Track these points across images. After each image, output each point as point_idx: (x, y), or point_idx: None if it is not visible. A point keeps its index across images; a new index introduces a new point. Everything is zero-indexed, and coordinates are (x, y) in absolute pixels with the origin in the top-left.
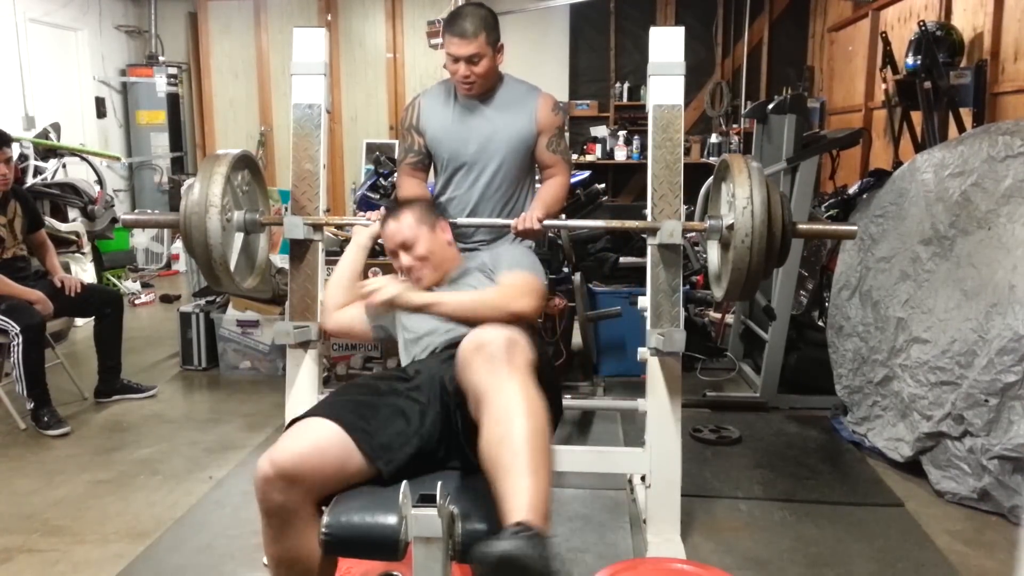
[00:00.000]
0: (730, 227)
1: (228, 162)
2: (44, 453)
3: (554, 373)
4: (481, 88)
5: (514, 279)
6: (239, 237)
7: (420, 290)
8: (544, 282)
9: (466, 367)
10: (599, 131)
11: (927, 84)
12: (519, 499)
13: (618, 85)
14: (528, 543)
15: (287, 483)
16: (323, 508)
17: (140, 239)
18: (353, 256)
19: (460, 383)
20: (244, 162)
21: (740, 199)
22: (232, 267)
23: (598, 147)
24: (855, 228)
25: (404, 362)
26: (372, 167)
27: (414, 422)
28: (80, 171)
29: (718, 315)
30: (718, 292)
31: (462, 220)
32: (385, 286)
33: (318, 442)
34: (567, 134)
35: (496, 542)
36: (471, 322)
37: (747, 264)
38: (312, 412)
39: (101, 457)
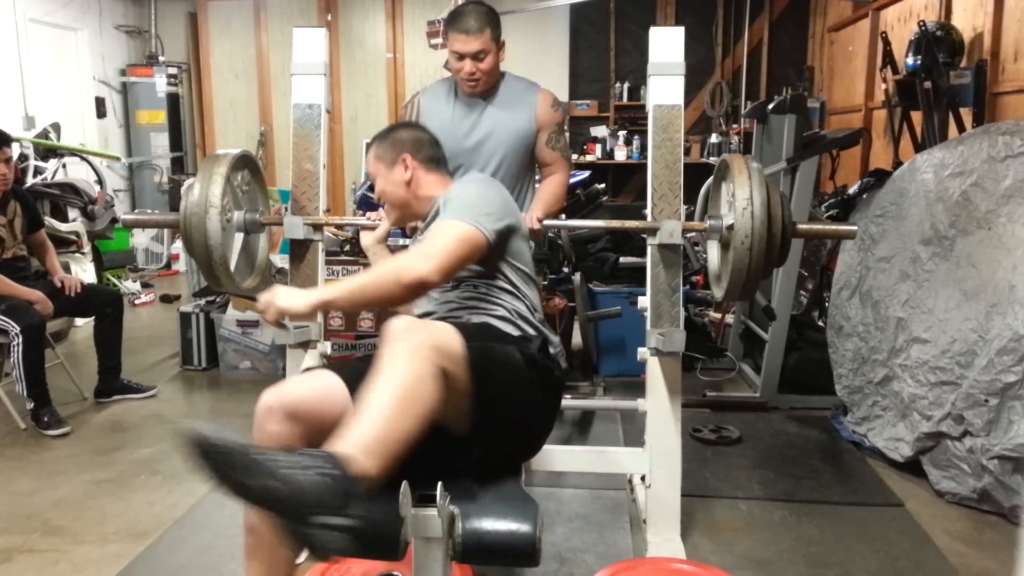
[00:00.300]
0: (730, 227)
1: (228, 162)
2: (44, 453)
3: (534, 367)
4: (486, 85)
5: (430, 238)
6: (239, 237)
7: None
8: (483, 220)
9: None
10: (599, 131)
11: (927, 84)
12: (348, 432)
13: (618, 85)
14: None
15: (286, 416)
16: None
17: (140, 239)
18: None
19: None
20: (244, 162)
21: (740, 199)
22: (232, 267)
23: (598, 147)
24: (855, 228)
25: None
26: None
27: None
28: (80, 171)
29: (718, 315)
30: (718, 292)
31: None
32: (271, 301)
33: (326, 390)
34: (567, 133)
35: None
36: (374, 307)
37: (747, 264)
38: (324, 367)
39: (101, 457)
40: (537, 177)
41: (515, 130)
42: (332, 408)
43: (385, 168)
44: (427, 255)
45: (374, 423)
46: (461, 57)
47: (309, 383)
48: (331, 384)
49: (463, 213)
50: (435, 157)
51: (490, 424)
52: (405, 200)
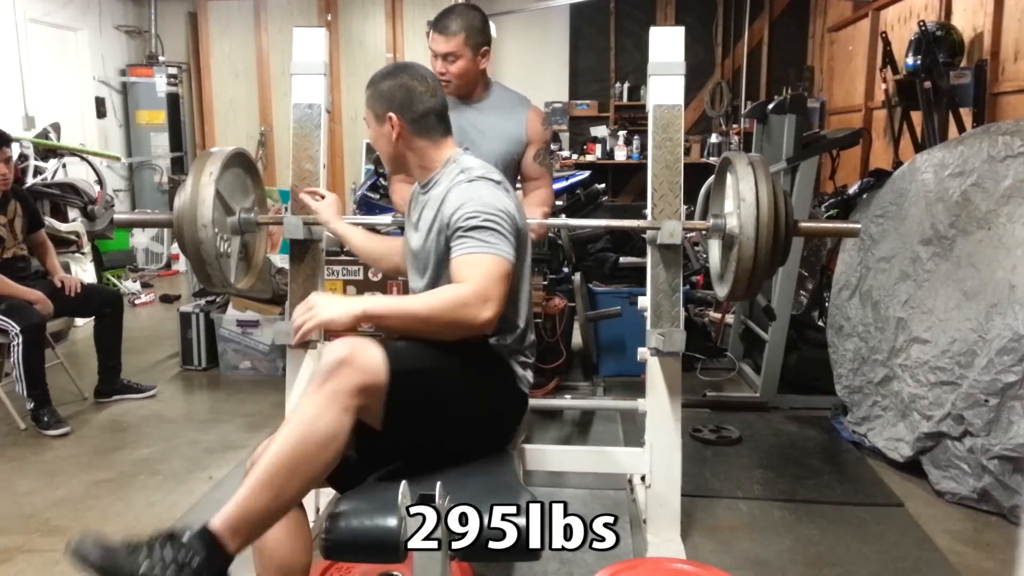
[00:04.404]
0: (735, 225)
1: (221, 160)
2: (44, 453)
3: (481, 394)
4: (457, 89)
5: (480, 275)
6: (234, 236)
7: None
8: (508, 247)
9: None
10: (599, 131)
11: (927, 84)
12: (230, 503)
13: (618, 85)
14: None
15: None
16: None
17: (140, 239)
18: (354, 236)
19: None
20: (238, 160)
21: (746, 197)
22: (227, 267)
23: (598, 147)
24: (859, 226)
25: None
26: (372, 167)
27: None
28: (80, 171)
29: (718, 315)
30: (721, 291)
31: None
32: (313, 312)
33: None
34: (564, 138)
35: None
36: (419, 334)
37: (753, 262)
38: None
39: (101, 457)
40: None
41: (505, 139)
42: None
43: (375, 120)
44: (487, 299)
45: (251, 501)
46: (435, 56)
47: None
48: None
49: (496, 241)
50: (426, 116)
51: (407, 428)
52: (395, 155)
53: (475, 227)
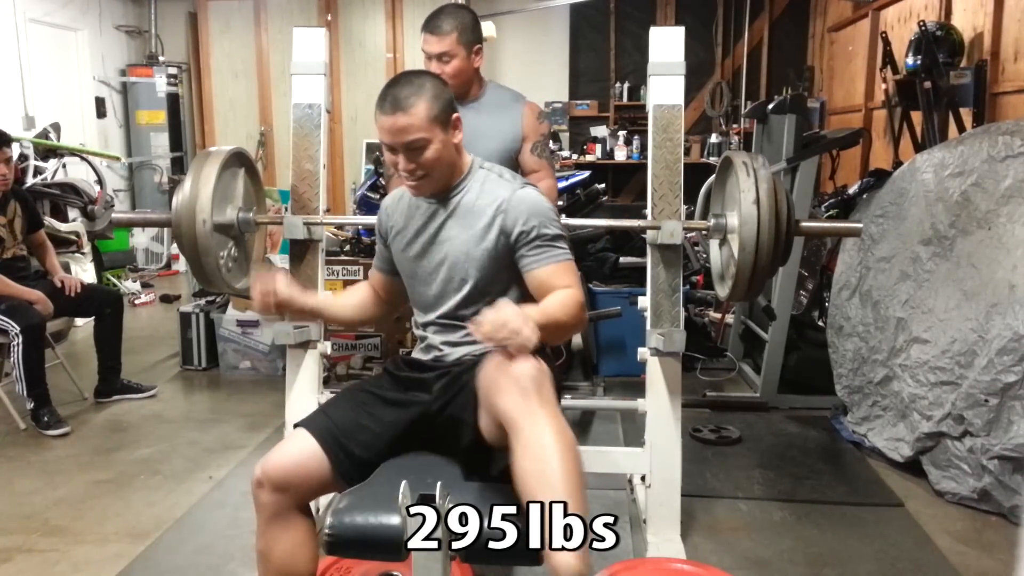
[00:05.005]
0: (735, 225)
1: (220, 160)
2: (44, 453)
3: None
4: (453, 90)
5: (574, 280)
6: (233, 236)
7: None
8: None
9: (497, 393)
10: (599, 131)
11: (927, 84)
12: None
13: (618, 85)
14: None
15: (273, 489)
16: (309, 511)
17: (140, 239)
18: (330, 305)
19: (485, 404)
20: (238, 160)
21: (747, 196)
22: (225, 267)
23: (598, 147)
24: (860, 226)
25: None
26: (372, 167)
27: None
28: (80, 171)
29: (718, 315)
30: (722, 291)
31: None
32: (525, 335)
33: (299, 458)
34: (552, 145)
35: None
36: (551, 339)
37: (754, 262)
38: (307, 420)
39: (101, 457)
40: None
41: (500, 137)
42: (310, 474)
43: (439, 131)
44: (585, 302)
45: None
46: (428, 57)
47: (284, 455)
48: (305, 452)
49: (568, 248)
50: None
51: None
52: (452, 165)
53: (556, 235)
